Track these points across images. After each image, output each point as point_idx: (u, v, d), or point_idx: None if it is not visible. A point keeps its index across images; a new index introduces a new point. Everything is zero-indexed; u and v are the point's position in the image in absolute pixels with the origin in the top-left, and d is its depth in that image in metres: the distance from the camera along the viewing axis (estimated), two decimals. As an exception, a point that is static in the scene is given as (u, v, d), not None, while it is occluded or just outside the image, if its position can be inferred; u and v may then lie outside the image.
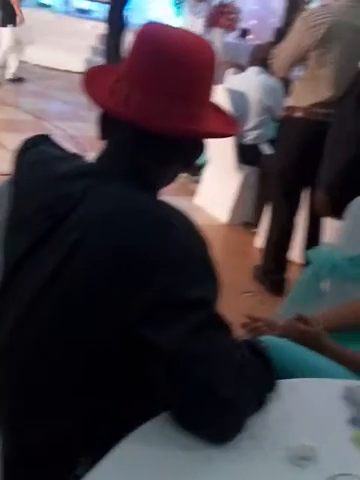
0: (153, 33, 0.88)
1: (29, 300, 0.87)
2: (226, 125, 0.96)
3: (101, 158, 0.93)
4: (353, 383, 1.00)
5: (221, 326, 0.82)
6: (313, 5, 4.63)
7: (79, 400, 0.87)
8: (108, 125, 0.92)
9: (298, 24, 2.35)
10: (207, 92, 0.91)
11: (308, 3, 4.63)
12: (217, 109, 0.98)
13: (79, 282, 0.82)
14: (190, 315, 0.78)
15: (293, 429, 0.87)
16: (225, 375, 0.79)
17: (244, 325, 1.40)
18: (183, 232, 0.82)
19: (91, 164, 0.95)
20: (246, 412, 0.84)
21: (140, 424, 0.83)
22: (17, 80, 6.89)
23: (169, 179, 0.98)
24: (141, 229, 0.80)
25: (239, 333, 1.39)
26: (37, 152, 1.05)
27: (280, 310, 1.76)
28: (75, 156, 1.09)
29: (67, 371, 0.85)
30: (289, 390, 0.94)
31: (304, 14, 2.37)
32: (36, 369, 0.87)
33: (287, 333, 1.33)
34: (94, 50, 8.49)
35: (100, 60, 7.86)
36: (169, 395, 0.81)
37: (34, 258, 0.89)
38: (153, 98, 0.85)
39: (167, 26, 0.92)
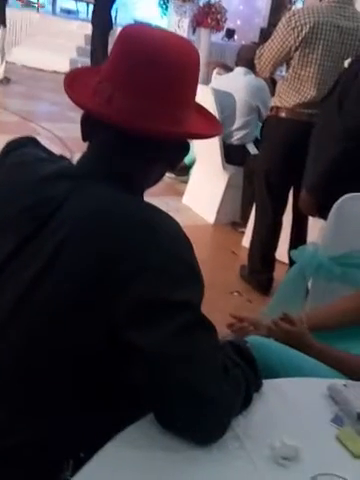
0: (135, 34, 0.88)
1: (12, 305, 0.87)
2: (209, 126, 0.97)
3: (84, 160, 0.93)
4: (336, 382, 1.00)
5: (205, 327, 0.82)
6: (298, 5, 4.65)
7: (65, 404, 0.86)
8: (91, 126, 0.92)
9: (281, 24, 2.36)
10: (190, 93, 0.91)
11: (293, 3, 4.65)
12: (200, 110, 0.98)
13: (62, 285, 0.82)
14: (174, 317, 0.78)
15: (277, 429, 0.88)
16: (208, 376, 0.79)
17: (230, 325, 1.40)
18: (167, 234, 0.82)
19: (74, 166, 0.94)
20: (230, 412, 0.84)
21: (120, 427, 0.83)
22: (4, 81, 6.85)
23: (154, 180, 0.98)
24: (124, 232, 0.80)
25: (225, 333, 1.40)
26: (20, 154, 1.04)
27: (266, 309, 1.77)
28: (61, 158, 1.08)
29: (51, 375, 0.85)
30: (273, 390, 0.95)
31: (288, 14, 2.38)
32: (20, 374, 0.87)
33: (272, 333, 1.34)
34: (81, 50, 8.47)
35: (87, 60, 7.84)
36: (153, 397, 0.81)
37: (17, 261, 0.89)
38: (135, 99, 0.85)
39: (149, 27, 0.92)
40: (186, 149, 0.94)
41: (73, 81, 0.93)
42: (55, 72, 8.21)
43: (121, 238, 0.80)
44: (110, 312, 0.79)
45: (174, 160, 0.95)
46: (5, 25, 6.66)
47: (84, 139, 0.95)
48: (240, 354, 0.92)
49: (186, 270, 0.82)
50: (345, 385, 0.98)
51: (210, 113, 1.01)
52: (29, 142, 1.13)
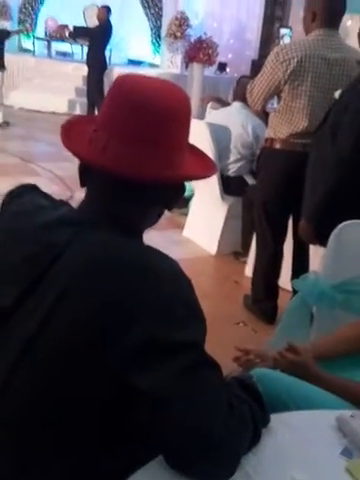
0: (127, 83, 0.91)
1: (16, 354, 0.88)
2: (203, 166, 0.99)
3: (83, 206, 0.96)
4: (344, 413, 1.00)
5: (209, 366, 0.83)
6: (286, 40, 4.78)
7: (71, 450, 0.86)
8: (88, 173, 0.94)
9: (270, 59, 2.43)
10: (183, 137, 0.94)
11: (281, 38, 4.78)
12: (194, 150, 1.01)
13: (65, 333, 0.83)
14: (177, 358, 0.79)
15: (287, 464, 0.87)
16: (215, 415, 0.80)
17: (236, 358, 1.41)
18: (165, 276, 0.84)
19: (74, 212, 0.96)
20: (239, 451, 0.84)
21: (129, 471, 0.83)
22: (4, 125, 6.98)
23: (152, 221, 1.00)
24: (123, 277, 0.82)
25: (231, 366, 1.40)
26: (21, 203, 1.06)
27: (271, 340, 1.77)
28: (61, 203, 1.11)
29: (56, 422, 0.85)
30: (281, 424, 0.95)
31: (276, 49, 2.45)
32: (27, 421, 0.87)
33: (278, 364, 1.34)
34: (77, 91, 8.65)
35: (83, 100, 8.00)
36: (161, 439, 0.81)
37: (20, 310, 0.90)
38: (130, 147, 0.87)
39: (141, 76, 0.96)
40: (182, 191, 0.96)
41: (69, 131, 0.96)
42: (53, 113, 8.39)
43: (120, 284, 0.81)
44: (113, 357, 0.79)
45: (170, 202, 0.97)
46: (4, 68, 6.84)
47: (82, 185, 0.98)
48: (246, 390, 0.92)
49: (187, 310, 0.83)
50: (352, 416, 0.98)
51: (204, 153, 1.04)
52: (30, 190, 1.16)
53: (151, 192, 0.92)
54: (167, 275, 0.84)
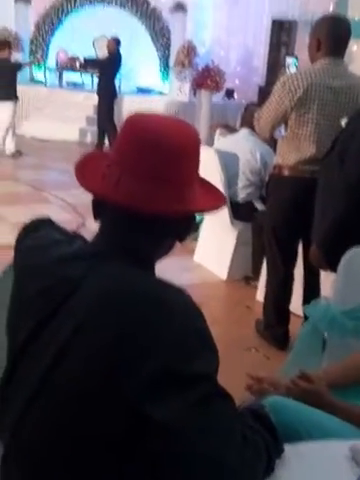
0: (138, 121, 0.95)
1: (34, 387, 0.90)
2: (213, 199, 1.02)
3: (97, 239, 0.98)
4: (358, 443, 1.00)
5: (222, 397, 0.84)
6: (292, 68, 4.87)
7: None
8: (101, 207, 0.97)
9: (276, 88, 2.48)
10: (193, 171, 0.97)
11: (287, 67, 4.88)
12: (204, 183, 1.04)
13: (81, 366, 0.84)
14: (190, 389, 0.80)
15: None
16: (228, 446, 0.81)
17: (248, 387, 1.41)
18: (177, 309, 0.85)
19: (88, 246, 0.99)
20: (253, 481, 0.84)
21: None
22: (16, 154, 7.11)
23: (164, 253, 1.02)
24: (138, 311, 0.84)
25: (244, 395, 1.40)
26: (37, 237, 1.09)
27: (283, 368, 1.77)
28: (75, 236, 1.14)
29: (71, 458, 0.86)
30: (295, 455, 0.95)
31: (282, 79, 2.50)
32: (40, 459, 0.88)
33: (291, 392, 1.34)
34: (88, 120, 8.80)
35: (94, 129, 8.12)
36: (175, 470, 0.82)
37: (37, 343, 0.92)
38: (142, 182, 0.90)
39: (151, 114, 1.00)
40: (192, 223, 0.99)
41: (83, 167, 1.00)
42: (64, 141, 8.54)
43: (134, 317, 0.83)
44: (128, 389, 0.81)
45: (182, 234, 0.99)
46: (17, 98, 6.99)
47: (96, 219, 1.00)
48: (259, 420, 0.93)
49: (199, 342, 0.84)
50: (366, 445, 0.98)
51: (213, 186, 1.06)
52: (44, 224, 1.19)
53: (163, 225, 0.95)
54: (179, 307, 0.86)
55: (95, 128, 7.98)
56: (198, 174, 1.01)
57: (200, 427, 0.79)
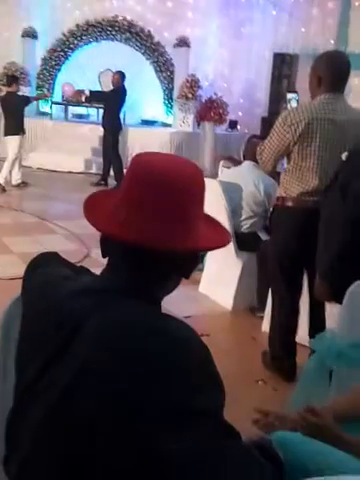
0: (144, 161, 0.98)
1: (39, 425, 0.90)
2: (219, 236, 1.04)
3: (105, 275, 1.00)
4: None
5: (230, 434, 0.84)
6: (293, 103, 4.98)
7: None
8: (109, 244, 0.99)
9: (278, 123, 2.53)
10: (198, 209, 0.99)
11: (288, 102, 4.99)
12: (209, 219, 1.07)
13: (89, 400, 0.85)
14: (197, 425, 0.81)
15: None
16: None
17: (255, 421, 1.40)
18: (187, 344, 0.87)
19: (96, 281, 1.01)
20: None
21: None
22: (22, 185, 7.21)
23: (170, 289, 1.04)
24: (143, 346, 0.85)
25: (251, 429, 1.39)
26: (44, 273, 1.12)
27: (290, 401, 1.76)
28: (81, 270, 1.16)
29: None
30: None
31: (284, 113, 2.56)
32: None
33: (298, 427, 1.33)
34: (94, 151, 8.93)
35: (99, 160, 8.23)
36: None
37: (46, 377, 0.93)
38: (148, 220, 0.93)
39: (157, 154, 1.03)
40: (198, 260, 1.01)
41: (92, 205, 1.03)
42: (69, 172, 8.67)
43: (140, 352, 0.84)
44: (135, 425, 0.81)
45: (187, 270, 1.01)
46: (24, 132, 7.13)
47: (104, 256, 1.03)
48: (267, 456, 0.93)
49: (205, 377, 0.85)
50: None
51: (218, 222, 1.09)
52: (52, 258, 1.22)
53: (169, 262, 0.97)
54: (184, 342, 0.87)
55: (100, 159, 8.09)
56: (203, 211, 1.03)
57: (209, 465, 0.80)
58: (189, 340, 0.89)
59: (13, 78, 7.47)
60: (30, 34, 10.12)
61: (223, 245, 1.04)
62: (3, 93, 7.48)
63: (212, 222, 1.07)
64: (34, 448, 0.93)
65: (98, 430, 0.85)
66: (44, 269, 1.14)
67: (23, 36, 10.11)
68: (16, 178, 7.17)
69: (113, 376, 0.84)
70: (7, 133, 6.99)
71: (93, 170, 8.71)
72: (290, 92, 5.00)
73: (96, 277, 1.05)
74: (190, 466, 0.80)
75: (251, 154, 3.64)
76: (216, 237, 1.03)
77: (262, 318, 3.41)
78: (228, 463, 0.81)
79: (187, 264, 1.00)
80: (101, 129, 7.90)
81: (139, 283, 0.96)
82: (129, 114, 9.48)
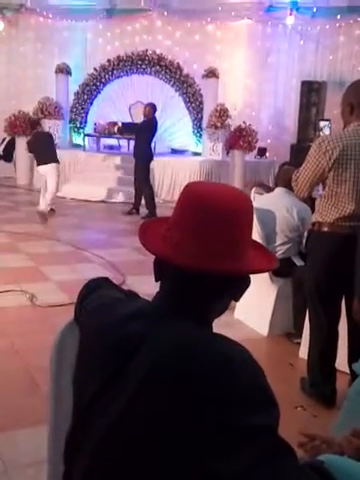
0: (196, 189, 1.02)
1: (97, 444, 0.94)
2: (267, 260, 1.08)
3: (158, 298, 1.04)
4: None
5: (286, 451, 0.86)
6: (325, 130, 5.02)
7: None
8: (162, 268, 1.03)
9: (313, 150, 2.58)
10: (247, 234, 1.03)
11: (320, 130, 5.03)
12: (257, 246, 1.11)
13: (146, 422, 0.88)
14: (255, 442, 0.82)
15: None
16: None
17: (301, 444, 1.40)
18: (241, 363, 0.90)
19: (149, 305, 1.06)
20: None
21: None
22: (51, 212, 7.41)
23: (220, 311, 1.07)
24: (200, 366, 0.88)
25: (297, 453, 1.39)
26: (98, 296, 1.17)
27: (335, 425, 1.75)
28: (131, 294, 1.21)
29: None
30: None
31: (318, 141, 2.60)
32: None
33: (345, 450, 1.33)
34: (125, 181, 9.08)
35: (131, 190, 8.33)
36: None
37: (103, 399, 0.97)
38: (200, 244, 0.97)
39: (208, 183, 1.09)
40: (248, 283, 1.05)
41: (146, 231, 1.08)
42: (102, 201, 8.85)
43: (199, 373, 0.87)
44: (192, 444, 0.84)
45: (237, 293, 1.05)
46: (58, 162, 7.37)
47: (156, 280, 1.07)
48: (321, 475, 0.94)
49: (262, 396, 0.87)
50: None
51: (265, 248, 1.13)
52: (104, 283, 1.27)
53: (221, 285, 1.01)
54: (242, 361, 0.90)
55: (131, 189, 8.21)
56: (251, 237, 1.08)
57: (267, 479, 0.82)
58: (243, 359, 0.91)
59: (38, 121, 8.23)
60: (63, 70, 10.52)
61: (271, 268, 1.07)
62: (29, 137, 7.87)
63: (260, 247, 1.12)
64: (92, 467, 0.96)
65: (155, 451, 0.88)
66: (97, 292, 1.19)
67: (56, 72, 10.52)
68: (47, 204, 7.39)
69: (168, 397, 0.87)
70: (43, 162, 7.23)
71: (124, 199, 8.85)
72: (322, 120, 5.03)
73: (147, 300, 1.09)
74: None
75: (283, 181, 3.69)
76: (264, 260, 1.07)
77: (299, 344, 3.39)
78: (286, 479, 0.83)
79: (237, 286, 1.04)
80: (132, 159, 8.07)
81: (190, 305, 1.00)
82: (159, 144, 9.68)
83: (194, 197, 1.01)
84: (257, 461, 0.82)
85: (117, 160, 9.64)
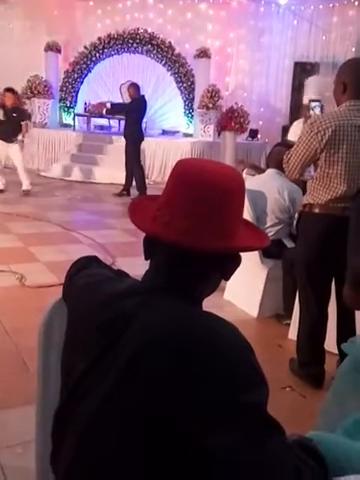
0: (187, 167, 1.00)
1: (85, 424, 0.93)
2: (257, 239, 1.07)
3: (148, 276, 1.03)
4: None
5: (275, 429, 0.86)
6: (316, 110, 4.98)
7: None
8: (152, 247, 1.02)
9: (305, 130, 2.55)
10: (238, 211, 1.02)
11: (312, 109, 4.98)
12: (248, 224, 1.10)
13: (135, 398, 0.88)
14: (243, 420, 0.82)
15: None
16: (282, 478, 0.82)
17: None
18: (233, 342, 0.89)
19: (139, 283, 1.04)
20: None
21: None
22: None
23: (211, 290, 1.07)
24: (191, 344, 0.87)
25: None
26: (89, 274, 1.15)
27: (323, 406, 1.75)
28: (121, 273, 1.20)
29: None
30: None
31: (310, 121, 2.58)
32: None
33: None
34: (115, 162, 8.98)
35: (122, 171, 8.27)
36: None
37: (92, 376, 0.96)
38: (190, 222, 0.95)
39: (199, 160, 1.06)
40: (238, 261, 1.03)
41: (136, 210, 1.06)
42: (92, 183, 8.78)
43: (189, 350, 0.87)
44: (181, 420, 0.84)
45: (227, 272, 1.04)
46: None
47: (146, 258, 1.05)
48: (309, 453, 0.94)
49: (251, 373, 0.87)
50: None
51: (256, 226, 1.12)
52: (93, 261, 1.25)
53: (211, 263, 0.99)
54: (231, 339, 0.90)
55: (122, 170, 8.15)
56: (242, 215, 1.06)
57: (254, 460, 0.81)
58: (234, 337, 0.91)
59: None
60: (53, 48, 10.34)
61: (262, 246, 1.06)
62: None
63: (251, 226, 1.10)
64: (80, 450, 0.96)
65: (146, 428, 0.87)
66: (87, 270, 1.18)
67: (46, 50, 10.33)
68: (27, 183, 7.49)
69: (160, 374, 0.87)
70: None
71: (115, 180, 8.80)
72: (313, 101, 4.99)
73: (136, 279, 1.08)
74: (237, 460, 0.81)
75: (275, 161, 3.67)
76: (256, 239, 1.06)
77: (288, 325, 3.41)
78: (270, 456, 0.82)
79: (228, 265, 1.02)
80: (123, 140, 7.98)
81: (181, 283, 0.99)
82: (150, 124, 9.59)
83: (185, 175, 0.99)
84: (246, 438, 0.82)
85: (107, 140, 9.55)
